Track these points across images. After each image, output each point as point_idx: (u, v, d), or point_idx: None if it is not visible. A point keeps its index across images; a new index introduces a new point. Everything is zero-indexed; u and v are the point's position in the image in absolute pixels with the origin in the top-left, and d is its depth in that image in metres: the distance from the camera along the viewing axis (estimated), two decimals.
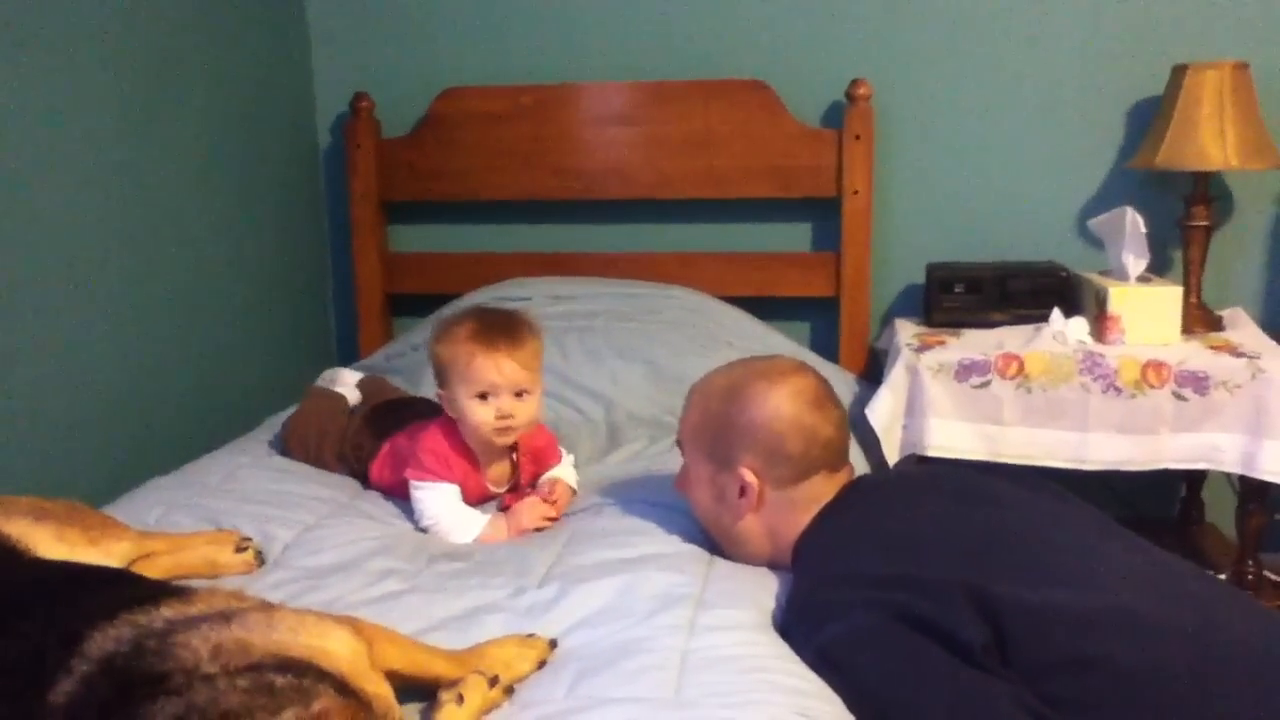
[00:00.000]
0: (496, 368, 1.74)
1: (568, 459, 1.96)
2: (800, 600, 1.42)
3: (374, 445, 1.91)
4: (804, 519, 1.52)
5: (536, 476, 1.91)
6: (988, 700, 1.18)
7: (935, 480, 1.60)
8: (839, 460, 1.58)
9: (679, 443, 1.63)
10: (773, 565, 1.57)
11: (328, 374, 2.22)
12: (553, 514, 1.78)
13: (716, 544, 1.61)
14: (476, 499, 1.84)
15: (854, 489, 1.57)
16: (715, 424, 1.55)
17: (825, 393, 1.57)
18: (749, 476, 1.51)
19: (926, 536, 1.40)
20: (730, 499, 1.54)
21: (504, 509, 1.82)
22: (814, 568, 1.46)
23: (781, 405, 1.52)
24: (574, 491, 1.89)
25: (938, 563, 1.33)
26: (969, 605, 1.25)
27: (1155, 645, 1.22)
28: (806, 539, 1.51)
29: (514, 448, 1.85)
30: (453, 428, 1.81)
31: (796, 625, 1.37)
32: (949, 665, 1.21)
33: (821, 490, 1.53)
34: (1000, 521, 1.43)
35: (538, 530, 1.75)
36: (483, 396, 1.74)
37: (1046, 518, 1.47)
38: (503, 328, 1.78)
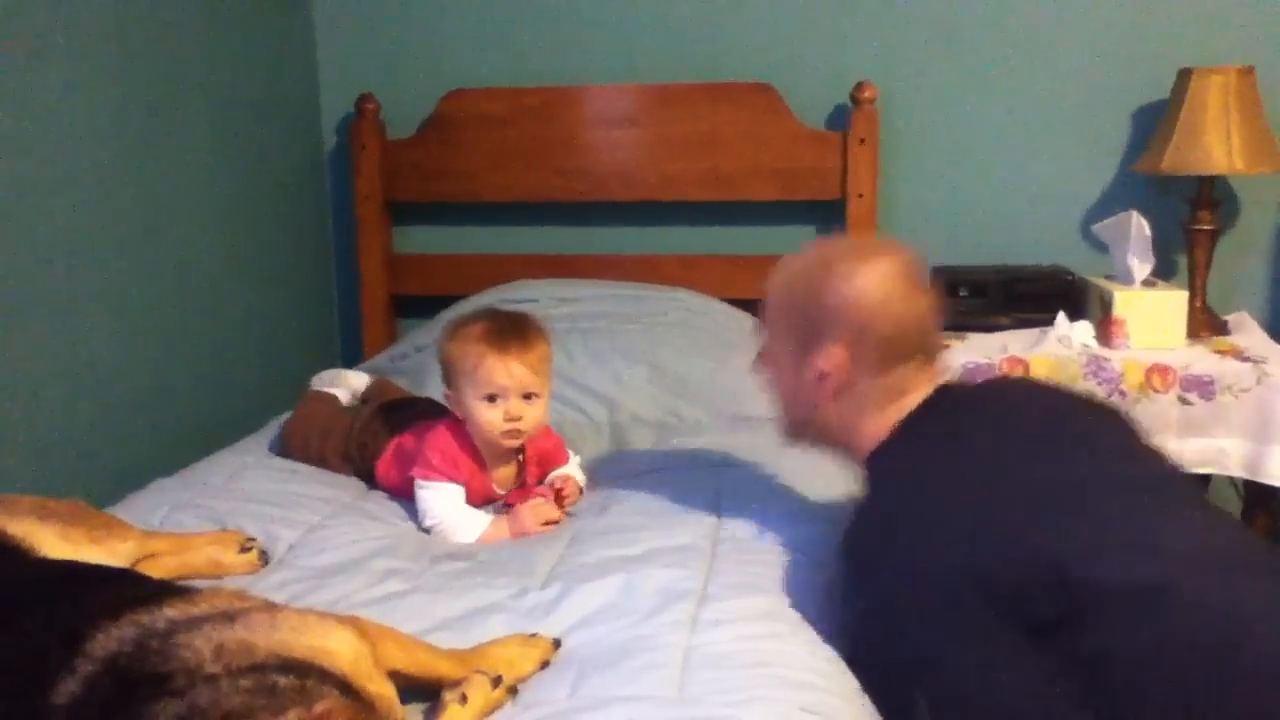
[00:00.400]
0: (506, 370, 1.74)
1: (574, 459, 1.96)
2: (866, 528, 1.33)
3: (380, 444, 1.91)
4: (885, 420, 1.41)
5: (543, 480, 1.91)
6: (1039, 697, 1.12)
7: (1028, 403, 1.48)
8: (929, 350, 1.46)
9: (758, 318, 1.54)
10: (838, 459, 1.53)
11: (326, 375, 2.22)
12: (555, 516, 1.77)
13: (787, 430, 1.55)
14: (481, 500, 1.84)
15: (941, 401, 1.43)
16: (801, 300, 1.43)
17: (918, 274, 1.44)
18: (834, 359, 1.40)
19: (1009, 488, 1.29)
20: (811, 382, 1.43)
21: (508, 507, 1.82)
22: (887, 496, 1.36)
23: (873, 283, 1.39)
24: (581, 490, 1.89)
25: (1017, 522, 1.23)
26: (1042, 576, 1.17)
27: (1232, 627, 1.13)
28: (885, 454, 1.41)
29: (521, 450, 1.85)
30: (460, 428, 1.81)
31: (855, 554, 1.31)
32: (1009, 648, 1.15)
33: (909, 383, 1.42)
34: (1086, 473, 1.32)
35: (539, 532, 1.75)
36: (491, 399, 1.75)
37: (1133, 467, 1.36)
38: (513, 330, 1.78)
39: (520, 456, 1.86)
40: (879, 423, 1.42)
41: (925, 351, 1.45)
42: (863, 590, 1.28)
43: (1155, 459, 1.43)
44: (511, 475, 1.87)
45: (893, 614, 1.22)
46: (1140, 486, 1.33)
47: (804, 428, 1.51)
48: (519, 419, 1.75)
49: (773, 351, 1.50)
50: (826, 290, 1.41)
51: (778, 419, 1.55)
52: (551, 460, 1.91)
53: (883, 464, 1.41)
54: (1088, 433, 1.41)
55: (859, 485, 1.47)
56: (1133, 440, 1.45)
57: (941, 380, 1.47)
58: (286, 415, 2.20)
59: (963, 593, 1.18)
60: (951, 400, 1.46)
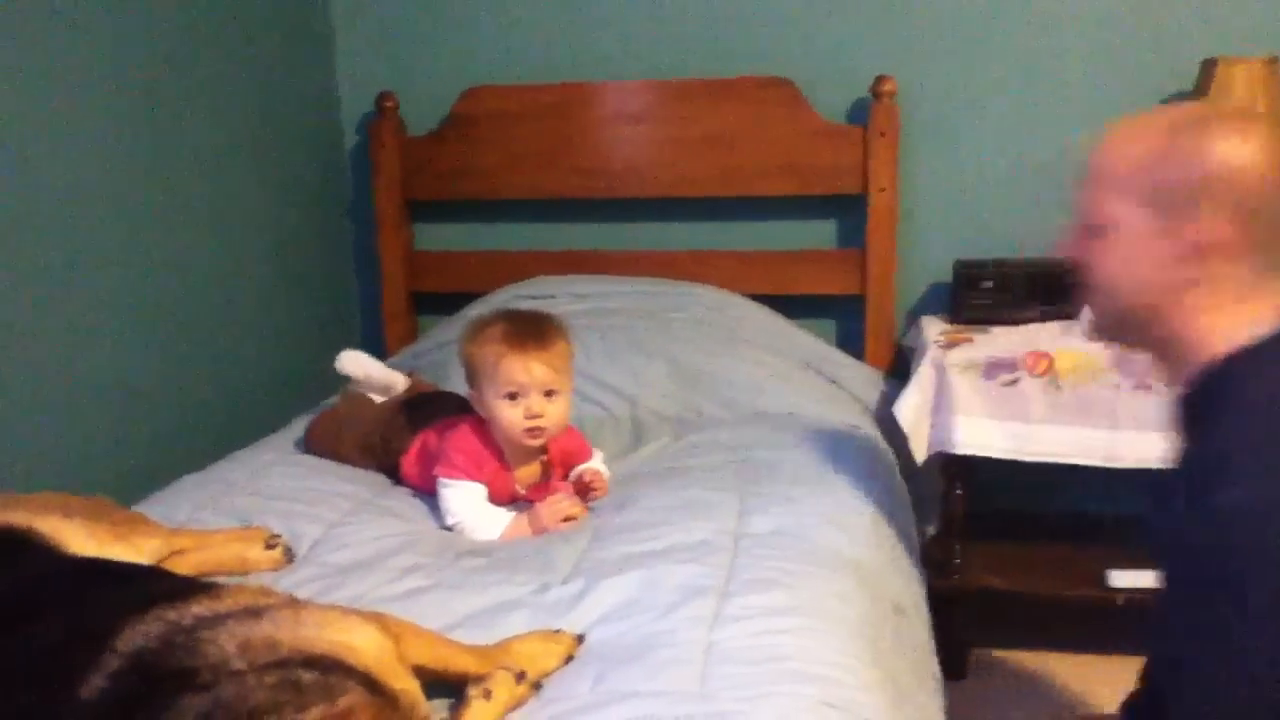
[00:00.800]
0: (525, 368, 1.74)
1: (598, 455, 1.97)
2: (1220, 449, 1.10)
3: (405, 440, 1.92)
4: (1242, 319, 1.17)
5: (566, 476, 1.91)
6: None
7: None
8: None
9: (1086, 187, 1.28)
10: (1150, 357, 1.29)
11: (348, 356, 2.16)
12: (575, 512, 1.77)
13: (1104, 322, 1.29)
14: (505, 499, 1.84)
15: None
16: (1172, 164, 1.18)
17: None
18: (1216, 233, 1.16)
19: None
20: (1170, 260, 1.19)
21: (530, 503, 1.82)
22: (1248, 416, 1.12)
23: (1266, 152, 1.16)
24: (606, 486, 1.89)
25: None
26: None
27: None
28: (1246, 368, 1.16)
29: (544, 449, 1.86)
30: (484, 427, 1.81)
31: (1196, 475, 1.10)
32: None
33: (1272, 285, 1.19)
34: None
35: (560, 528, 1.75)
36: (511, 397, 1.75)
37: None
38: (532, 329, 1.79)
39: (544, 456, 1.86)
40: (1227, 325, 1.18)
41: None
42: (1197, 517, 1.06)
43: None
44: (535, 474, 1.87)
45: (1229, 557, 1.02)
46: None
47: (1135, 317, 1.24)
48: (540, 416, 1.76)
49: (1107, 224, 1.23)
50: (1210, 153, 1.16)
51: (1096, 308, 1.29)
52: (575, 459, 1.92)
53: (1247, 370, 1.16)
54: None
55: (1177, 401, 1.24)
56: None
57: None
58: (309, 414, 2.21)
59: None
60: None
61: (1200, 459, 1.13)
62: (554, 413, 1.78)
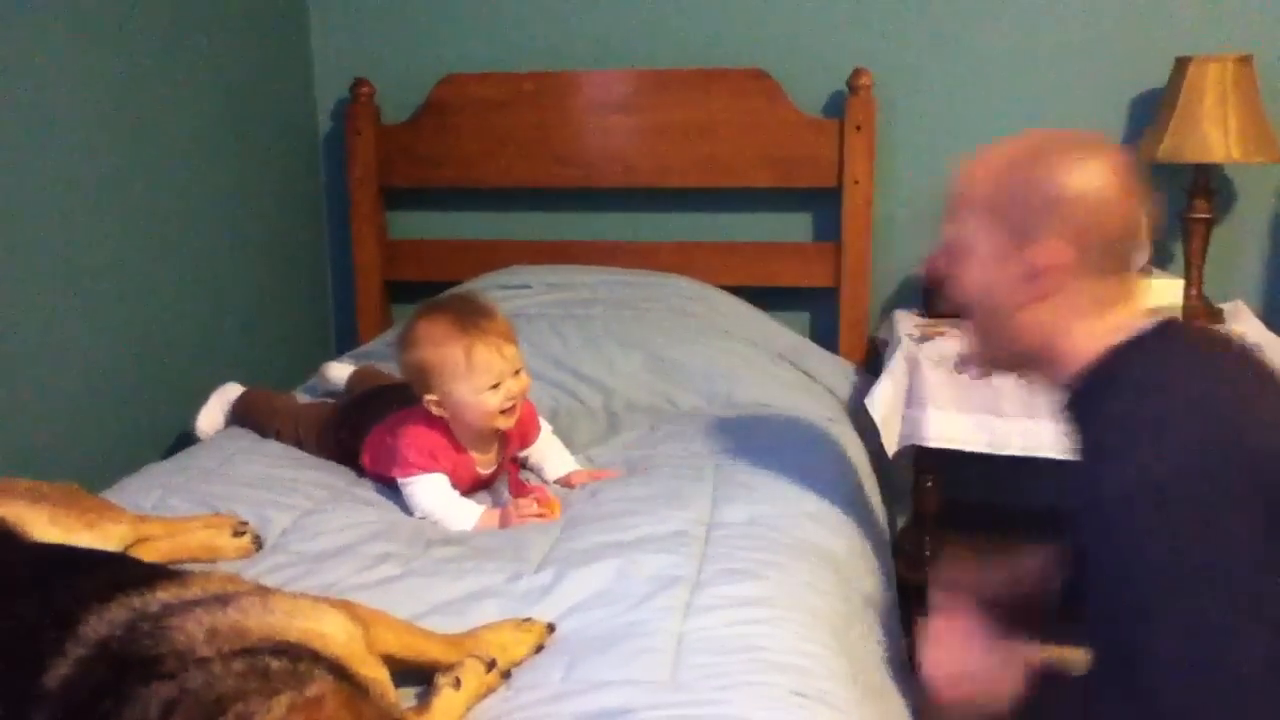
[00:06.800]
0: (499, 352, 1.74)
1: (547, 428, 1.97)
2: (1106, 425, 1.20)
3: (360, 437, 1.90)
4: (1095, 331, 1.27)
5: (521, 449, 1.91)
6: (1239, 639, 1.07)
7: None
8: (1144, 262, 1.35)
9: (949, 210, 1.38)
10: (1024, 374, 1.38)
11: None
12: (544, 516, 1.73)
13: (971, 346, 1.39)
14: (468, 485, 1.83)
15: (1171, 324, 1.31)
16: (1018, 190, 1.29)
17: (1138, 177, 1.31)
18: (1054, 255, 1.25)
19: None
20: (1018, 280, 1.29)
21: (489, 485, 1.81)
22: (1128, 390, 1.21)
23: (1102, 177, 1.26)
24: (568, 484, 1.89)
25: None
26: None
27: None
28: (1123, 358, 1.25)
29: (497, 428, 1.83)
30: (434, 419, 1.78)
31: (1095, 456, 1.20)
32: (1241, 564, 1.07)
33: (1121, 294, 1.28)
34: None
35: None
36: (495, 387, 1.73)
37: None
38: (479, 312, 1.77)
39: (498, 431, 1.84)
40: (1089, 332, 1.27)
41: (1141, 265, 1.32)
42: (1101, 493, 1.14)
43: None
44: (493, 453, 1.86)
45: (1145, 507, 1.10)
46: None
47: (999, 334, 1.34)
48: (516, 395, 1.76)
49: (965, 245, 1.33)
50: (1050, 180, 1.27)
51: (970, 333, 1.38)
52: (527, 429, 1.91)
53: (1119, 365, 1.25)
54: None
55: (1056, 406, 1.33)
56: None
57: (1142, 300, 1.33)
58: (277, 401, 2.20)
59: (1234, 477, 1.09)
60: (1183, 326, 1.34)
61: (1086, 450, 1.23)
62: (524, 387, 1.78)
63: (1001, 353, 1.36)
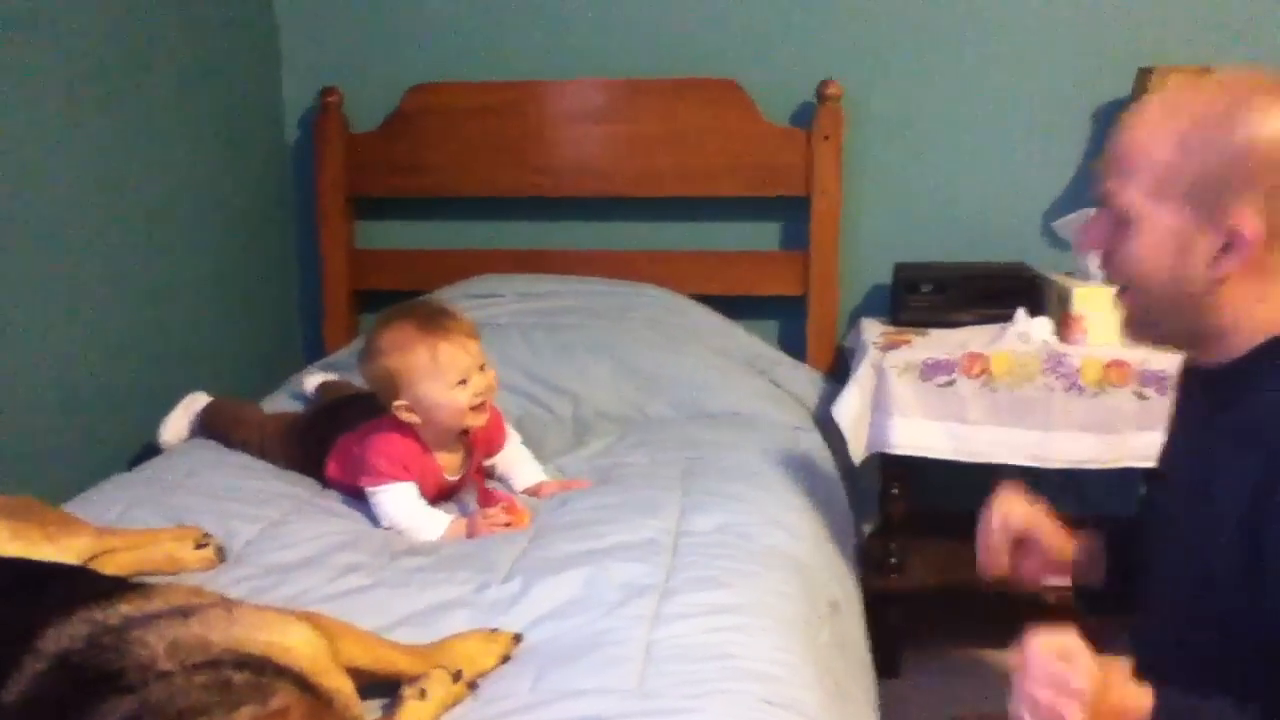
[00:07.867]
0: (464, 349, 1.75)
1: (515, 438, 1.97)
2: None
3: (326, 448, 1.89)
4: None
5: (488, 456, 1.91)
6: None
7: None
8: None
9: (1114, 174, 1.18)
10: (1183, 348, 1.24)
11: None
12: (512, 523, 1.73)
13: (1140, 316, 1.20)
14: (435, 493, 1.83)
15: None
16: (1203, 155, 1.10)
17: None
18: (1249, 225, 1.08)
19: None
20: (1205, 257, 1.11)
21: (457, 490, 1.81)
22: None
23: None
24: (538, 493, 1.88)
25: None
26: None
27: None
28: None
29: (466, 430, 1.84)
30: (403, 426, 1.78)
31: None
32: None
33: None
34: None
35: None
36: (463, 383, 1.75)
37: None
38: (440, 314, 1.79)
39: (466, 436, 1.85)
40: (1274, 310, 1.12)
41: None
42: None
43: None
44: (459, 459, 1.86)
45: None
46: None
47: (1172, 312, 1.16)
48: (485, 390, 1.77)
49: (1136, 216, 1.14)
50: (1244, 138, 1.08)
51: (1129, 304, 1.20)
52: (494, 435, 1.91)
53: None
54: None
55: (1193, 378, 1.23)
56: None
57: None
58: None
59: None
60: None
61: (1236, 432, 1.11)
62: (491, 382, 1.80)
63: (1173, 329, 1.19)
